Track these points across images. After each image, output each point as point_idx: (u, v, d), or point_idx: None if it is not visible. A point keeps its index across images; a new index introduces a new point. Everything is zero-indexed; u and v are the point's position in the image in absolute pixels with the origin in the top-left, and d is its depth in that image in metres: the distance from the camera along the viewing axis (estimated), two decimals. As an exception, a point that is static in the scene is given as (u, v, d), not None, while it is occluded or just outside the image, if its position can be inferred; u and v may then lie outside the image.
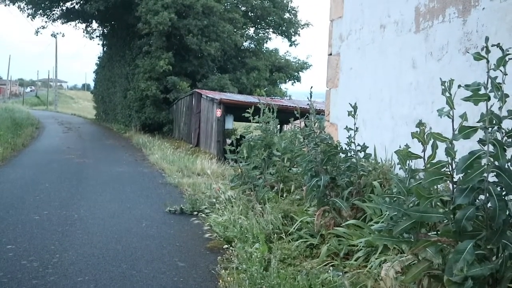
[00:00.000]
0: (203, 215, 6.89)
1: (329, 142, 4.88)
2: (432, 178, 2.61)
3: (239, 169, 6.84)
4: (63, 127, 28.26)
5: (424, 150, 2.80)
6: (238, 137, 18.10)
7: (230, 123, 18.94)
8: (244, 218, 5.69)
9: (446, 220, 2.68)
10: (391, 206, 2.89)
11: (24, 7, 29.50)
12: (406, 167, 2.91)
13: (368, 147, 4.98)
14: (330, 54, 7.53)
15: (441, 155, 2.68)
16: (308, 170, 4.79)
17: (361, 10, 6.48)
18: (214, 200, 7.27)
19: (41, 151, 16.51)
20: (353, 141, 4.95)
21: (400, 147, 2.96)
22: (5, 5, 28.89)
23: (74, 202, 8.23)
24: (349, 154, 4.98)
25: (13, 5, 29.01)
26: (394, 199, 3.03)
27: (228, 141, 18.82)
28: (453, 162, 2.59)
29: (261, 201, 6.04)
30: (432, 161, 2.68)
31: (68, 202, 8.15)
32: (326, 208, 4.66)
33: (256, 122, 7.27)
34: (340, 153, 4.91)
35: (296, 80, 30.15)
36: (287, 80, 29.93)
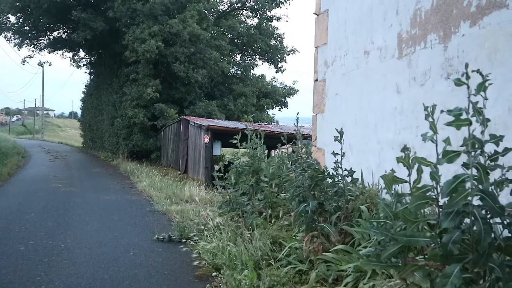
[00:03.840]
0: (191, 242, 6.85)
1: (316, 167, 4.91)
2: (418, 202, 2.62)
3: (227, 196, 6.83)
4: (49, 156, 28.06)
5: (409, 175, 2.82)
6: (226, 163, 18.12)
7: (218, 149, 18.95)
8: (233, 244, 5.66)
9: (433, 244, 2.69)
10: (379, 231, 2.90)
11: (11, 37, 29.55)
12: (392, 192, 2.93)
13: (355, 171, 5.00)
14: (316, 80, 7.60)
15: (426, 179, 2.70)
16: (296, 196, 4.80)
17: (345, 37, 6.58)
18: (203, 227, 7.24)
19: (28, 180, 16.37)
20: (340, 166, 4.97)
21: (386, 171, 2.99)
22: (-8, 35, 28.93)
23: (60, 231, 8.14)
24: (336, 179, 5.00)
25: (0, 35, 29.05)
26: (382, 223, 3.04)
27: (216, 167, 18.86)
28: (438, 186, 2.61)
29: (249, 227, 6.02)
30: (418, 185, 2.71)
31: (54, 232, 8.06)
32: (314, 234, 4.65)
33: (243, 148, 7.28)
34: (328, 178, 4.93)
35: (283, 106, 30.38)
36: (274, 106, 30.15)
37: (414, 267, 2.69)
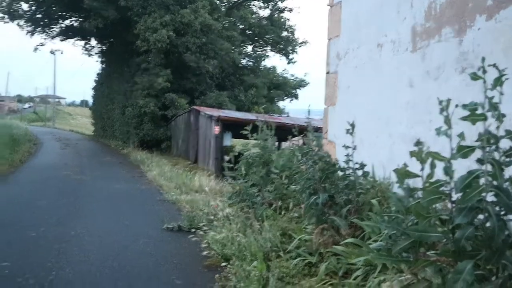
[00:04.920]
0: (201, 232, 6.86)
1: (327, 160, 4.89)
2: (431, 197, 2.61)
3: (237, 187, 6.84)
4: (61, 143, 28.21)
5: (422, 169, 2.80)
6: (236, 154, 18.13)
7: (228, 140, 18.95)
8: (242, 235, 5.66)
9: (445, 240, 2.68)
10: (390, 225, 2.89)
11: (23, 25, 29.71)
12: (405, 186, 2.91)
13: (366, 165, 4.98)
14: (328, 73, 7.56)
15: (438, 174, 2.68)
16: (306, 188, 4.79)
17: (358, 29, 6.53)
18: (212, 217, 7.23)
19: (39, 168, 16.47)
20: (351, 159, 4.96)
21: (398, 165, 2.97)
22: (4, 23, 29.08)
23: (71, 219, 8.19)
24: (347, 172, 4.98)
25: (12, 22, 29.22)
26: (393, 218, 3.03)
27: (226, 158, 18.84)
28: (452, 181, 2.59)
29: (259, 218, 6.03)
30: (431, 180, 2.69)
31: (65, 219, 8.12)
32: (324, 226, 4.65)
33: (254, 140, 7.28)
34: (339, 171, 4.91)
35: (293, 98, 30.34)
36: (285, 98, 30.12)
37: (425, 262, 2.69)
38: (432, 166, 2.75)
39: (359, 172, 4.98)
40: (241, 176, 6.82)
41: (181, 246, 6.51)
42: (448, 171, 2.57)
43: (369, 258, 3.68)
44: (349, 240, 4.38)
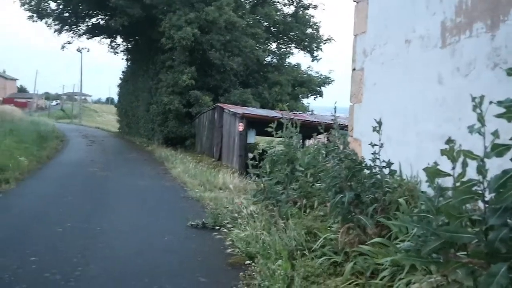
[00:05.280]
0: (225, 230, 6.85)
1: (354, 158, 4.81)
2: (463, 197, 2.53)
3: (262, 184, 6.79)
4: (87, 140, 28.56)
5: (453, 168, 2.72)
6: (260, 151, 18.10)
7: (252, 138, 18.93)
8: (267, 233, 5.62)
9: (477, 241, 2.59)
10: (420, 225, 2.81)
11: (51, 23, 30.18)
12: (435, 185, 2.83)
13: (393, 163, 4.89)
14: (354, 69, 7.47)
15: (469, 173, 2.60)
16: (332, 186, 4.72)
17: (385, 25, 6.42)
18: (236, 215, 7.21)
19: (65, 164, 16.69)
20: (378, 157, 4.87)
21: (429, 164, 2.88)
22: (33, 21, 29.56)
23: (96, 215, 8.27)
24: (373, 171, 4.90)
25: (41, 21, 29.67)
26: (422, 217, 2.95)
27: (250, 155, 18.79)
28: (485, 180, 2.50)
29: (283, 216, 5.97)
30: (462, 180, 2.60)
31: (90, 215, 8.19)
32: (350, 225, 4.57)
33: (279, 137, 7.22)
34: (365, 170, 4.83)
35: (318, 95, 30.07)
36: (309, 95, 29.88)
37: (457, 264, 2.60)
38: (464, 164, 2.66)
39: (386, 171, 4.90)
40: (265, 174, 6.76)
41: (205, 244, 6.51)
42: (481, 170, 2.48)
43: (397, 258, 3.60)
44: (376, 239, 4.29)
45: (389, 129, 5.82)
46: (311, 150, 7.45)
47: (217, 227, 7.12)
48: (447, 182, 2.75)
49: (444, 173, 2.77)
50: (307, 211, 5.98)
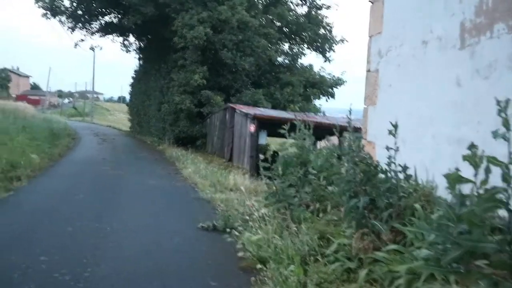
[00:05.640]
0: (236, 232, 6.75)
1: (369, 161, 4.70)
2: (486, 205, 2.43)
3: (274, 187, 6.68)
4: (98, 139, 28.67)
5: (476, 174, 2.61)
6: (272, 153, 17.99)
7: (263, 139, 18.85)
8: (279, 237, 5.52)
9: (500, 251, 2.48)
10: (440, 233, 2.71)
11: (64, 21, 30.30)
12: (456, 192, 2.72)
13: (409, 167, 4.78)
14: (369, 71, 7.35)
15: (493, 180, 2.49)
16: (346, 191, 4.62)
17: (401, 26, 6.30)
18: (248, 217, 7.10)
19: (77, 162, 16.72)
20: (393, 161, 4.76)
21: (450, 170, 2.77)
22: (47, 19, 29.68)
23: (107, 214, 8.23)
24: (389, 175, 4.79)
25: (54, 18, 29.78)
26: (440, 224, 2.85)
27: (261, 156, 18.73)
28: (510, 188, 2.40)
29: (296, 220, 5.87)
30: (486, 187, 2.49)
31: (101, 214, 8.16)
32: (364, 231, 4.46)
33: (292, 139, 7.11)
34: (380, 174, 4.72)
35: (330, 96, 29.83)
36: (321, 96, 29.67)
37: (479, 275, 2.49)
38: (487, 171, 2.56)
39: (401, 175, 4.78)
40: (277, 176, 6.66)
41: (215, 246, 6.43)
42: (506, 177, 2.37)
43: (414, 266, 3.48)
44: (392, 246, 4.18)
45: (404, 132, 5.71)
46: (324, 153, 7.34)
47: (228, 230, 7.02)
48: (466, 188, 2.65)
49: (466, 180, 2.67)
50: (320, 215, 5.86)
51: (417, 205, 4.50)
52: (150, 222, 7.86)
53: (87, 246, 6.12)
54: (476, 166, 2.60)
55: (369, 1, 7.44)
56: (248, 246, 5.88)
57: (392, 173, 4.78)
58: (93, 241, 6.36)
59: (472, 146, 2.65)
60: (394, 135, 4.74)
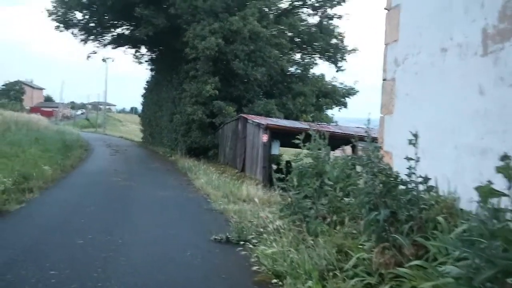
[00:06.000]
0: (250, 245, 6.59)
1: (389, 172, 4.53)
2: (523, 220, 2.25)
3: (289, 198, 6.52)
4: (110, 150, 28.71)
5: (510, 188, 2.44)
6: (284, 162, 17.81)
7: (276, 149, 18.67)
8: (294, 251, 5.35)
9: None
10: (471, 251, 2.53)
11: (77, 33, 30.57)
12: (489, 206, 2.55)
13: (430, 178, 4.61)
14: (385, 79, 7.19)
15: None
16: (366, 203, 4.44)
17: (419, 33, 6.14)
18: (262, 229, 6.95)
19: (89, 173, 16.70)
20: (414, 172, 4.59)
21: (482, 183, 2.60)
22: (60, 31, 29.92)
23: (118, 226, 8.13)
24: (409, 186, 4.61)
25: (67, 31, 30.02)
26: (468, 239, 2.68)
27: (274, 166, 18.51)
28: (549, 202, 2.22)
29: (312, 233, 5.69)
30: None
31: (112, 226, 8.06)
32: (385, 245, 4.28)
33: (307, 149, 6.95)
34: (400, 185, 4.55)
35: (342, 106, 29.66)
36: (334, 106, 29.48)
37: (516, 296, 2.32)
38: (523, 184, 2.39)
39: (422, 186, 4.61)
40: (292, 187, 6.49)
41: (229, 259, 6.27)
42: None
43: (440, 284, 3.30)
44: (415, 262, 3.99)
45: (423, 142, 5.52)
46: (340, 163, 7.15)
47: (242, 242, 6.87)
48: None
49: (499, 193, 2.50)
50: (337, 227, 5.68)
51: (440, 218, 4.32)
52: (162, 234, 7.73)
53: (98, 260, 6.00)
54: (510, 178, 2.43)
55: (385, 8, 7.29)
56: (263, 260, 5.72)
57: (413, 185, 4.61)
58: (104, 255, 6.24)
59: (505, 157, 2.48)
60: (414, 145, 4.59)
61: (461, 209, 4.54)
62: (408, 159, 4.59)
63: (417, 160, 4.56)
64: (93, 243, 6.85)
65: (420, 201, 4.53)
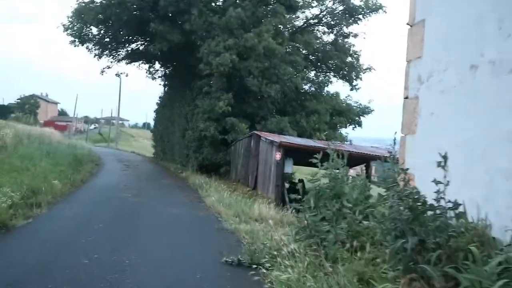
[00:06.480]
0: (263, 269, 6.24)
1: (416, 196, 4.19)
2: None
3: (305, 221, 6.17)
4: (121, 165, 28.56)
5: None
6: (297, 181, 17.45)
7: (289, 167, 18.33)
8: (311, 278, 5.00)
9: None
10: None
11: (92, 48, 30.63)
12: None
13: (461, 204, 4.27)
14: (407, 98, 6.86)
15: None
16: (392, 230, 4.10)
17: (445, 49, 5.83)
18: (275, 252, 6.58)
19: (99, 188, 16.50)
20: (443, 196, 4.26)
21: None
22: (75, 46, 30.01)
23: (126, 245, 7.85)
24: (437, 212, 4.27)
25: (82, 45, 30.12)
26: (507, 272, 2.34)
27: (287, 185, 18.20)
28: None
29: (330, 258, 5.34)
30: None
31: (120, 246, 7.78)
32: (413, 276, 3.93)
33: (325, 169, 6.62)
34: (429, 211, 4.21)
35: (357, 125, 29.30)
36: (348, 125, 29.13)
37: None
38: None
39: (451, 212, 4.27)
40: (308, 209, 6.15)
41: (241, 285, 5.95)
42: None
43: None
44: (447, 297, 3.64)
45: (450, 164, 5.19)
46: (359, 184, 6.80)
47: (254, 266, 6.52)
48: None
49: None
50: (358, 254, 5.31)
51: (473, 248, 3.97)
52: (171, 255, 7.43)
53: (103, 282, 5.74)
54: None
55: (408, 24, 7.01)
56: (277, 286, 5.38)
57: (441, 210, 4.27)
58: (110, 277, 5.94)
59: None
60: (444, 168, 4.26)
61: (494, 238, 4.21)
62: (437, 182, 4.26)
63: (447, 184, 4.23)
64: (98, 264, 6.57)
65: (449, 228, 4.19)
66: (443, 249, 4.13)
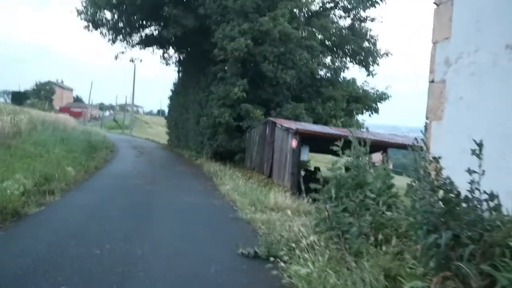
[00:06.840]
0: (280, 262, 5.95)
1: (449, 188, 3.86)
2: None
3: (326, 211, 5.85)
4: (136, 152, 28.45)
5: None
6: (312, 169, 17.10)
7: (305, 155, 17.97)
8: (333, 273, 4.69)
9: None
10: None
11: (105, 33, 30.49)
12: None
13: (497, 195, 3.93)
14: (432, 81, 6.48)
15: None
16: (423, 224, 3.77)
17: (477, 28, 5.45)
18: (293, 244, 6.27)
19: (112, 175, 16.34)
20: (477, 187, 3.92)
21: None
22: (89, 31, 29.84)
23: (139, 235, 7.63)
24: (471, 204, 3.94)
25: (96, 30, 29.96)
26: None
27: (302, 173, 17.86)
28: None
29: (353, 252, 5.02)
30: None
31: (132, 235, 7.56)
32: (447, 274, 3.61)
33: (347, 156, 6.28)
34: (463, 203, 3.88)
35: (373, 111, 28.68)
36: (364, 111, 28.53)
37: None
38: None
39: (484, 204, 3.93)
40: (329, 199, 5.83)
41: (258, 279, 5.64)
42: None
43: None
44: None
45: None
46: (382, 173, 6.45)
47: (271, 258, 6.23)
48: None
49: None
50: (383, 247, 4.98)
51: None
52: (185, 246, 7.17)
53: (115, 274, 5.50)
54: None
55: (434, 3, 6.61)
56: (297, 281, 5.09)
57: (476, 202, 3.93)
58: (122, 269, 5.70)
59: None
60: (479, 156, 3.92)
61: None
62: (471, 172, 3.92)
63: (482, 174, 3.89)
64: (110, 254, 6.34)
65: (485, 222, 3.85)
66: (477, 245, 3.80)
